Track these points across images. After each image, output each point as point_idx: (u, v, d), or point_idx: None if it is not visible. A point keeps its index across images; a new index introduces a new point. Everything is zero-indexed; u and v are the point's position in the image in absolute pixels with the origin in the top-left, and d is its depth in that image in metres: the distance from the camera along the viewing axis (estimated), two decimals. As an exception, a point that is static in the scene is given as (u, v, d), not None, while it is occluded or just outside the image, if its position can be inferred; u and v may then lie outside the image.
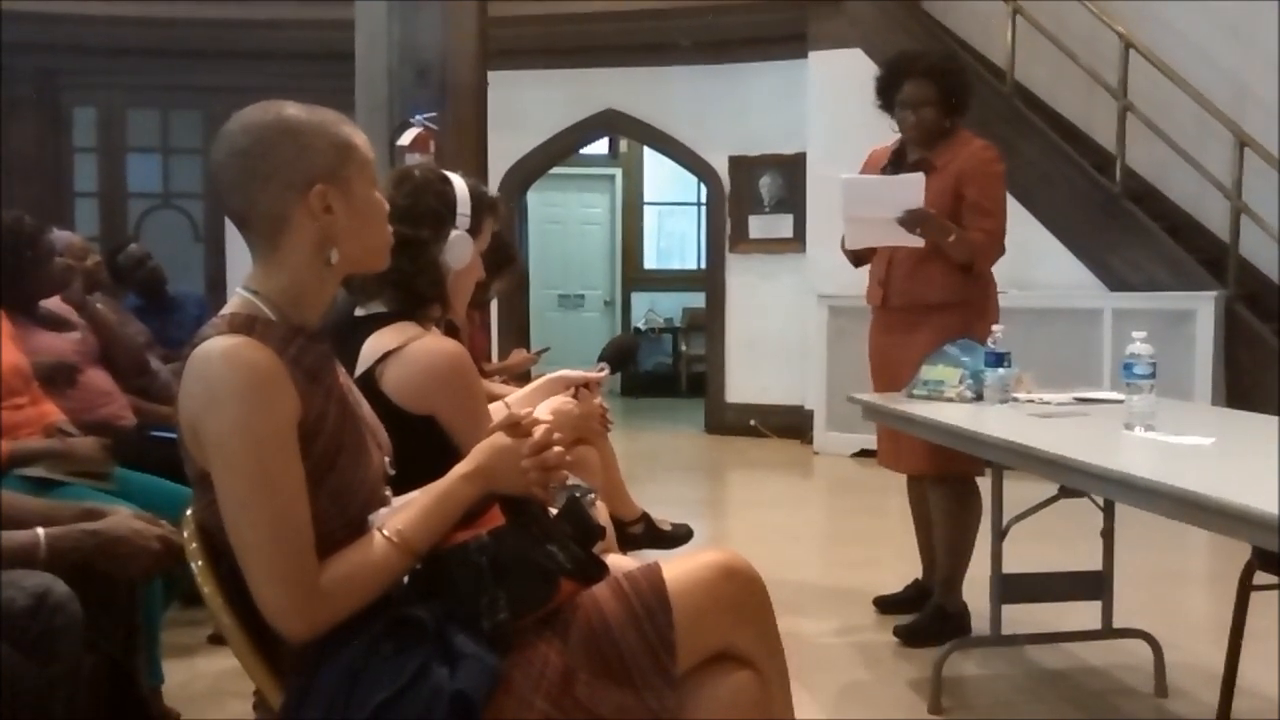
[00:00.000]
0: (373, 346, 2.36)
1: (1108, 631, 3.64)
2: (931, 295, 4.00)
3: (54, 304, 4.01)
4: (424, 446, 2.23)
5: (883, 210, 3.87)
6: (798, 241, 8.95)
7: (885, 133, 4.23)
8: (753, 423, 9.25)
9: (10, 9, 7.96)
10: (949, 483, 3.99)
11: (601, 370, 2.77)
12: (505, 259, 4.60)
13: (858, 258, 4.26)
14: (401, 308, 2.45)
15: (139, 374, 4.27)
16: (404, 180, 2.47)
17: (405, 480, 1.92)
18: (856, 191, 3.99)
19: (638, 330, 12.87)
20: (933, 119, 4.02)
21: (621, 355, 2.97)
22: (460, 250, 2.48)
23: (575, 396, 2.59)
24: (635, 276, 13.58)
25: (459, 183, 2.52)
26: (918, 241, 3.90)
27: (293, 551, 1.67)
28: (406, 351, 2.32)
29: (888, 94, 4.11)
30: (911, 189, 3.86)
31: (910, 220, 3.84)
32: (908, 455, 4.04)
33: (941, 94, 4.02)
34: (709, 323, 9.84)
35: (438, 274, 2.47)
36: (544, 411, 2.65)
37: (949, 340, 3.83)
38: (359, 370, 2.33)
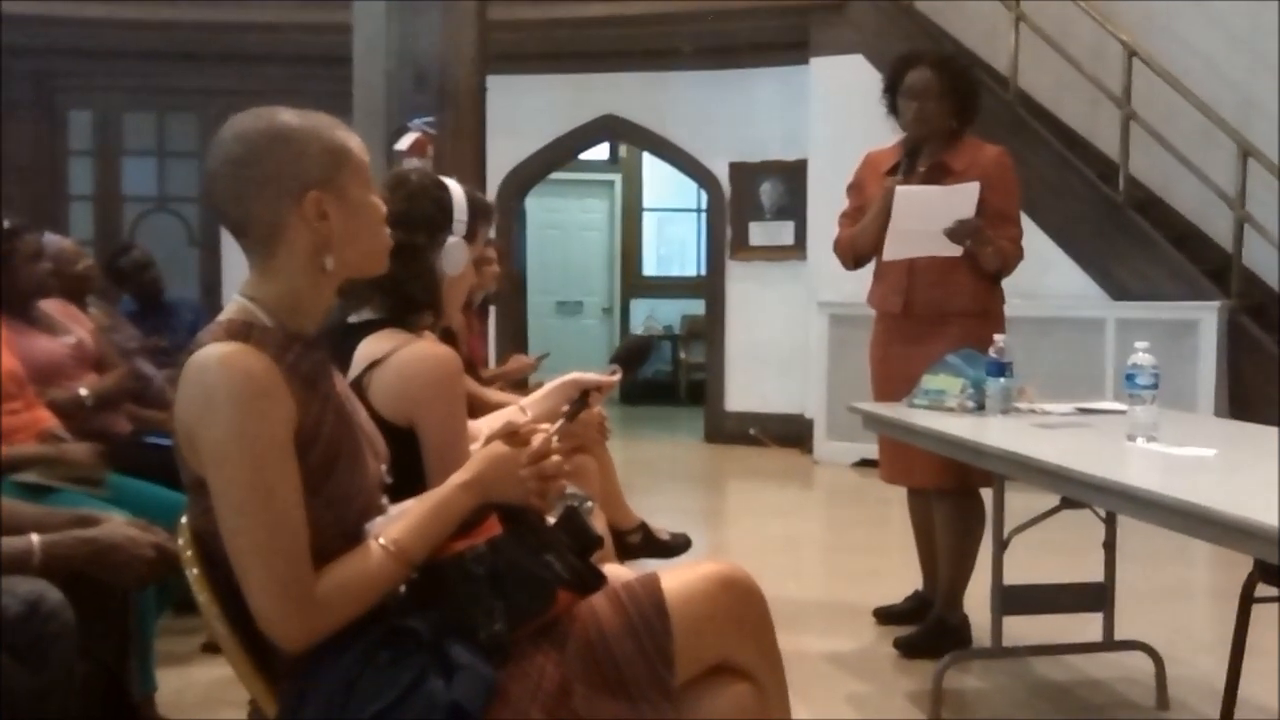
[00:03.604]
0: (362, 354, 2.34)
1: (1109, 644, 3.63)
2: (960, 303, 3.99)
3: (52, 306, 3.99)
4: (415, 456, 2.21)
5: (934, 221, 3.85)
6: (799, 249, 8.93)
7: (887, 139, 4.21)
8: (752, 431, 9.23)
9: (5, 11, 7.93)
10: (954, 495, 3.97)
11: (615, 373, 2.73)
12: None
13: (856, 259, 4.21)
14: (394, 314, 2.43)
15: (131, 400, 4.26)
16: (400, 185, 2.45)
17: (400, 490, 1.89)
18: (910, 203, 3.93)
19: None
20: (936, 111, 3.98)
21: (634, 356, 2.90)
22: (455, 256, 2.46)
23: (588, 400, 2.57)
24: (634, 283, 13.56)
25: (455, 189, 2.49)
26: (956, 251, 3.90)
27: (288, 559, 1.65)
28: (393, 358, 2.30)
29: (893, 91, 4.08)
30: (965, 199, 3.85)
31: (962, 231, 3.84)
32: (920, 469, 3.99)
33: (945, 86, 3.98)
34: (709, 330, 9.81)
35: (432, 280, 2.45)
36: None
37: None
38: (350, 377, 2.30)
